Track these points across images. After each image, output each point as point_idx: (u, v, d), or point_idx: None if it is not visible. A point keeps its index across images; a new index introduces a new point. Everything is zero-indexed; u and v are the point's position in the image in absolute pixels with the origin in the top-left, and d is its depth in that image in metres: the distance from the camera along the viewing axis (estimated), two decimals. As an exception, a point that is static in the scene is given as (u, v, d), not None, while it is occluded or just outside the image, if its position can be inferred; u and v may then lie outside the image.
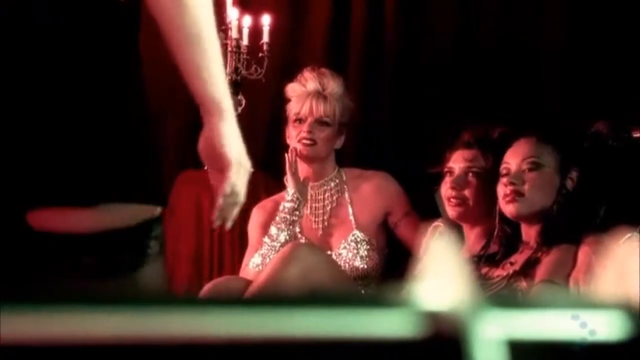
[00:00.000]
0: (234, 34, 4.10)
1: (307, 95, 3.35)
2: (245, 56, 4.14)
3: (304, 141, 3.33)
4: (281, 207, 3.32)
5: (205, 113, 1.76)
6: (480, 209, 2.95)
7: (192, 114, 4.48)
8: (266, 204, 3.47)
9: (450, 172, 3.02)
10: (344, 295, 0.76)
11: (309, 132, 3.33)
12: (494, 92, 4.05)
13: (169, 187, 4.12)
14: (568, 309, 0.92)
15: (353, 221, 3.34)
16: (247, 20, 4.14)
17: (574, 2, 4.07)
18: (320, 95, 3.34)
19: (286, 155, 3.39)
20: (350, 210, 3.36)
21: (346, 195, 3.39)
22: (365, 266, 3.27)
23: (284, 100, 3.47)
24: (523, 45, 4.10)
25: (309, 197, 3.39)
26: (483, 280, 2.66)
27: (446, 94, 4.14)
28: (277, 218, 3.30)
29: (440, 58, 4.24)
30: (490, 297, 0.88)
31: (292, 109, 3.39)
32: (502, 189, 2.70)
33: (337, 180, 3.42)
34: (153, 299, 0.84)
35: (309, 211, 3.40)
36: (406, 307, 0.79)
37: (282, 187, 3.62)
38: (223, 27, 4.14)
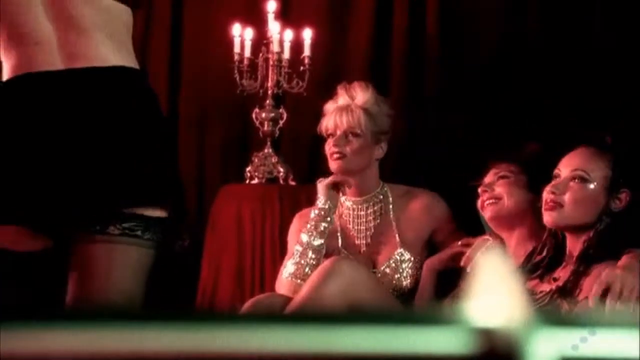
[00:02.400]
0: (275, 47, 4.11)
1: (335, 110, 3.35)
2: (286, 70, 4.15)
3: (334, 155, 3.33)
4: (312, 214, 3.31)
5: None
6: (515, 215, 2.97)
7: (235, 130, 4.54)
8: (306, 213, 3.45)
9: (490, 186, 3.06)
10: (396, 313, 0.75)
11: (336, 145, 3.32)
12: (540, 105, 4.01)
13: (211, 201, 4.13)
14: (624, 327, 0.90)
15: (398, 240, 3.31)
16: (289, 34, 4.15)
17: (625, 5, 4.02)
18: (346, 108, 3.33)
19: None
20: (395, 228, 3.33)
21: (391, 213, 3.36)
22: (409, 284, 3.25)
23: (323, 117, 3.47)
24: (571, 52, 4.06)
25: (350, 211, 3.37)
26: (527, 295, 2.62)
27: (490, 107, 4.11)
28: (308, 225, 3.29)
29: (483, 71, 4.22)
30: (542, 313, 0.86)
31: (323, 124, 3.39)
32: (545, 195, 2.67)
33: (382, 197, 3.39)
34: (196, 316, 0.84)
35: (351, 226, 3.38)
36: (459, 324, 0.78)
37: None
38: (265, 41, 4.15)
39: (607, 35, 4.04)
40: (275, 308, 2.97)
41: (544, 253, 2.72)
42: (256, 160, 4.17)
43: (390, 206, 3.37)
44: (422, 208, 3.35)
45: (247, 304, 3.14)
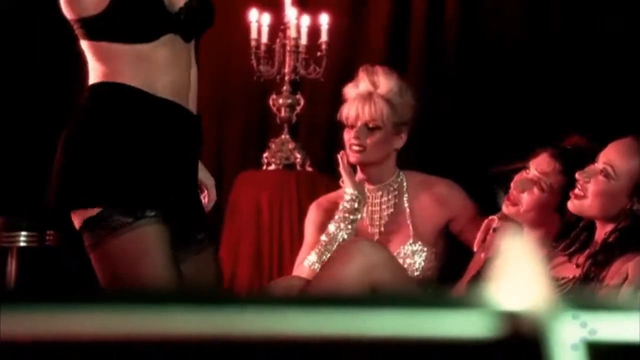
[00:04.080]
0: (292, 33, 4.10)
1: (356, 97, 3.26)
2: (303, 56, 4.14)
3: (354, 147, 3.25)
4: (341, 206, 3.25)
5: None
6: (540, 215, 2.90)
7: (252, 116, 4.54)
8: (323, 202, 3.42)
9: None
10: (421, 296, 0.75)
11: (357, 137, 3.24)
12: (564, 92, 3.99)
13: (229, 188, 4.14)
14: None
15: (411, 229, 3.27)
16: (306, 20, 4.14)
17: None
18: (369, 97, 3.23)
19: (338, 157, 3.31)
20: (408, 218, 3.29)
21: (405, 202, 3.31)
22: (420, 274, 3.21)
23: (342, 100, 3.42)
24: (594, 44, 4.03)
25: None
26: (551, 280, 2.61)
27: (509, 95, 4.09)
28: (337, 217, 3.23)
29: (503, 57, 4.20)
30: (567, 298, 0.85)
31: (343, 112, 3.30)
32: (577, 178, 2.65)
33: (396, 185, 3.34)
34: (216, 298, 0.84)
35: (365, 214, 3.33)
36: (485, 308, 0.77)
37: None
38: (282, 27, 4.14)
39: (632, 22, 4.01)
40: (294, 291, 2.96)
41: (571, 239, 2.70)
42: (273, 146, 4.17)
43: (405, 195, 3.33)
44: (437, 198, 3.29)
45: (266, 287, 3.14)
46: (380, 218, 3.32)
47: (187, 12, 2.33)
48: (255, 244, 3.96)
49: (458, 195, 3.32)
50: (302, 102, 4.19)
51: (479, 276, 2.90)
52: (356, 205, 3.23)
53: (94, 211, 2.23)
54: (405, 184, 3.32)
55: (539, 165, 2.91)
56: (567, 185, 2.77)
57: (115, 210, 2.22)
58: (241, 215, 4.01)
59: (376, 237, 3.29)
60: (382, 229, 3.31)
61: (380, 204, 3.33)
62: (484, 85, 4.16)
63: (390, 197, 3.33)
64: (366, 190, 3.31)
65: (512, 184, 2.94)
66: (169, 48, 2.33)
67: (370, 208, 3.33)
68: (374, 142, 3.24)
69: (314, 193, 4.01)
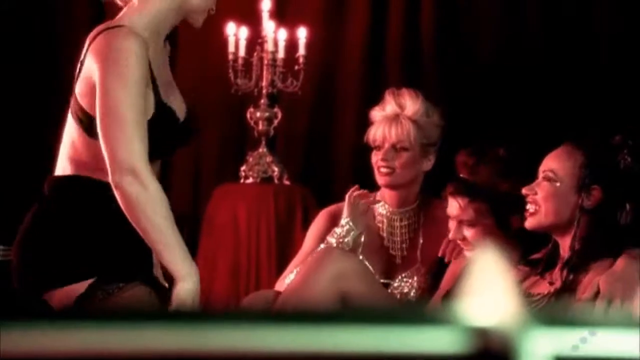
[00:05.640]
0: (270, 47, 4.11)
1: (383, 119, 3.18)
2: (281, 69, 4.15)
3: (382, 169, 3.17)
4: (333, 230, 3.22)
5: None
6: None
7: (230, 129, 4.54)
8: (333, 210, 3.34)
9: None
10: (392, 312, 0.75)
11: (384, 159, 3.16)
12: (533, 103, 4.03)
13: (206, 201, 4.14)
14: (617, 327, 0.90)
15: (419, 259, 3.23)
16: (283, 34, 4.15)
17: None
18: (395, 119, 3.17)
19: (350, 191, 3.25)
20: (419, 249, 3.24)
21: (421, 228, 3.26)
22: (416, 294, 3.19)
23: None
24: (566, 58, 4.08)
25: (384, 218, 3.27)
26: (524, 297, 2.63)
27: (485, 106, 4.12)
28: (337, 231, 3.19)
29: (477, 68, 4.23)
30: (537, 314, 0.86)
31: (370, 134, 3.21)
32: (526, 200, 2.70)
33: (417, 211, 3.27)
34: (190, 314, 0.84)
35: (384, 234, 3.27)
36: (454, 324, 0.78)
37: (320, 200, 3.59)
38: (259, 40, 4.15)
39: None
40: (270, 305, 2.94)
41: (539, 254, 2.74)
42: (251, 159, 4.17)
43: (422, 218, 3.28)
44: (440, 222, 3.22)
45: (244, 301, 3.13)
46: (401, 242, 3.27)
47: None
48: (232, 257, 3.96)
49: None
50: (279, 115, 4.20)
51: (452, 292, 2.91)
52: (345, 234, 3.16)
53: (83, 285, 2.29)
54: (422, 208, 3.27)
55: (451, 212, 2.95)
56: (491, 203, 2.81)
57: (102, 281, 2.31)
58: (219, 229, 4.01)
59: (397, 261, 3.25)
60: (405, 252, 3.26)
61: (401, 227, 3.28)
62: (462, 95, 4.19)
63: (410, 221, 3.27)
64: (380, 208, 3.27)
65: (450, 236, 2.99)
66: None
67: (389, 229, 3.27)
68: (402, 163, 3.18)
69: (292, 206, 4.01)
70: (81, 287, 2.29)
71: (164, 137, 2.35)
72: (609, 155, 2.67)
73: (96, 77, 2.25)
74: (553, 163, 2.67)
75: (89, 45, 2.32)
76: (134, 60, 2.25)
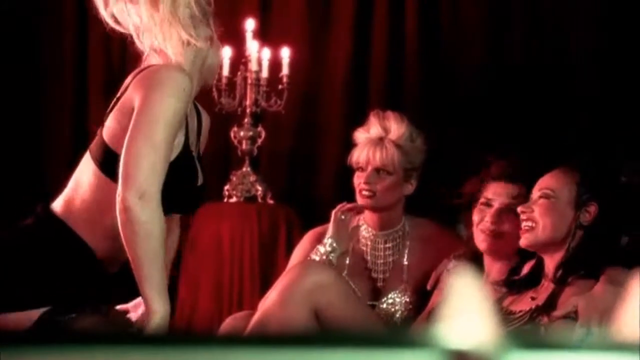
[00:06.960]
0: (253, 66, 4.12)
1: (367, 142, 3.19)
2: (265, 88, 4.16)
3: (364, 192, 3.17)
4: (316, 248, 3.22)
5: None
6: (515, 244, 2.87)
7: (213, 148, 4.53)
8: (319, 231, 3.31)
9: (489, 204, 2.96)
10: (369, 335, 0.75)
11: (367, 182, 3.16)
12: (519, 122, 4.05)
13: (190, 219, 4.13)
14: (590, 349, 0.91)
15: (405, 280, 3.22)
16: (267, 53, 4.16)
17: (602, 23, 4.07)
18: (380, 142, 3.18)
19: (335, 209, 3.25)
20: (405, 272, 3.23)
21: (405, 254, 3.25)
22: (402, 316, 3.18)
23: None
24: (551, 73, 4.10)
25: (368, 241, 3.27)
26: (505, 315, 2.64)
27: (469, 125, 4.13)
28: (322, 249, 3.19)
29: (462, 89, 4.24)
30: (513, 334, 0.86)
31: (353, 156, 3.21)
32: (521, 217, 2.70)
33: (401, 234, 3.27)
34: (172, 337, 0.84)
35: (368, 257, 3.25)
36: (432, 346, 0.78)
37: (304, 220, 3.59)
38: (243, 60, 4.16)
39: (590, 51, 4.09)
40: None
41: (522, 272, 2.75)
42: (234, 178, 4.18)
43: (407, 240, 3.27)
44: (437, 255, 3.18)
45: (226, 322, 3.12)
46: (385, 264, 3.26)
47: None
48: (216, 276, 3.95)
49: (441, 236, 3.26)
50: (263, 134, 4.20)
51: (433, 315, 2.91)
52: (329, 252, 3.17)
53: (36, 313, 2.28)
54: (407, 230, 3.26)
55: (500, 193, 2.96)
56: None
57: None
58: (202, 247, 4.00)
59: (379, 284, 3.24)
60: (388, 274, 3.25)
61: (384, 249, 3.26)
62: (446, 114, 4.20)
63: (394, 243, 3.26)
64: (364, 231, 3.27)
65: (486, 222, 2.95)
66: None
67: (373, 252, 3.26)
68: (385, 187, 3.18)
69: (275, 225, 4.01)
70: (34, 314, 2.28)
71: (179, 183, 2.31)
72: (605, 172, 2.70)
73: (137, 101, 2.21)
74: (549, 182, 2.68)
75: (130, 82, 2.30)
76: (182, 93, 2.22)
